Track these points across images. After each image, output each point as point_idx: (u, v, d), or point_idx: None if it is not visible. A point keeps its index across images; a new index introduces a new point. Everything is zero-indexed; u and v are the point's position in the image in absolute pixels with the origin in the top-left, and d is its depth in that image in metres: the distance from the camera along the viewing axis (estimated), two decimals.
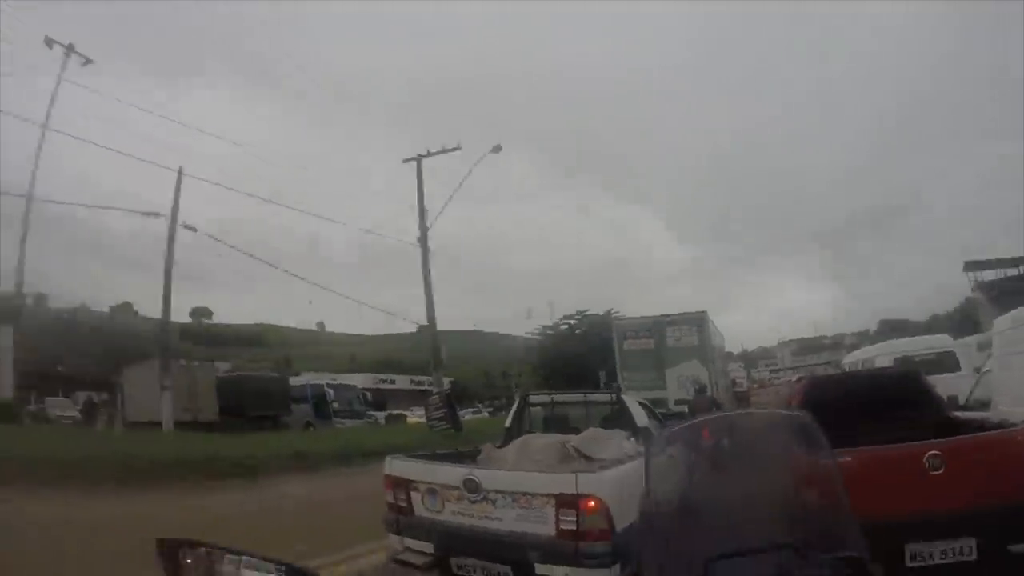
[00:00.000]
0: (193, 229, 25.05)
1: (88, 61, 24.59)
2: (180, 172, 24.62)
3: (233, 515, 9.46)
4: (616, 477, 5.10)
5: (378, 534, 6.49)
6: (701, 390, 14.80)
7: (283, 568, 1.50)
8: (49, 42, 24.00)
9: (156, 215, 24.65)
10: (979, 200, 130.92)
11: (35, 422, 27.14)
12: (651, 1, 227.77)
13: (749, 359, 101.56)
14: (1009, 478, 5.02)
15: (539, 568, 4.98)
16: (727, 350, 33.40)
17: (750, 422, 4.08)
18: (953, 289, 71.90)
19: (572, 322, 47.20)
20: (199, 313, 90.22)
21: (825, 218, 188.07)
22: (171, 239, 24.62)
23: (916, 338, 20.47)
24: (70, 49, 24.28)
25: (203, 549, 1.58)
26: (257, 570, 1.53)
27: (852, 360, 21.56)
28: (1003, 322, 8.11)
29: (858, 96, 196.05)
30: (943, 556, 4.91)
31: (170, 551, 1.57)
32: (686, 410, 14.06)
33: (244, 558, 1.54)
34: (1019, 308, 7.82)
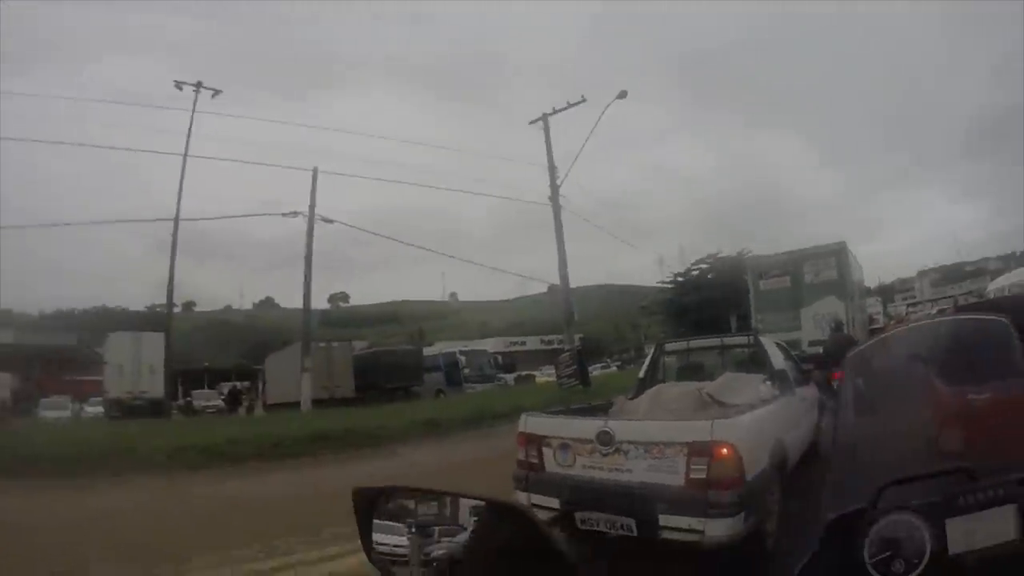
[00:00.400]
0: (330, 221, 26.60)
1: (217, 92, 27.49)
2: (315, 171, 26.28)
3: (359, 482, 9.53)
4: (751, 423, 4.92)
5: (504, 494, 6.21)
6: (837, 328, 13.75)
7: (483, 504, 1.50)
8: (179, 84, 27.17)
9: (295, 214, 26.25)
10: None
11: (183, 414, 29.56)
12: None
13: (887, 292, 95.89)
14: None
15: (663, 520, 4.77)
16: (865, 284, 31.36)
17: (942, 330, 3.62)
18: None
19: (704, 266, 45.56)
20: (337, 298, 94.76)
21: (969, 122, 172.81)
22: (310, 233, 26.07)
23: None
24: (199, 86, 27.15)
25: (402, 491, 1.66)
26: (456, 506, 1.57)
27: (997, 287, 20.03)
28: None
29: None
30: None
31: (366, 498, 1.61)
32: (820, 351, 13.08)
33: (445, 497, 1.60)
34: None
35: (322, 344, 29.37)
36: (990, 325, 2.81)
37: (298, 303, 28.57)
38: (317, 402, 24.49)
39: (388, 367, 30.41)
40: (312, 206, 26.10)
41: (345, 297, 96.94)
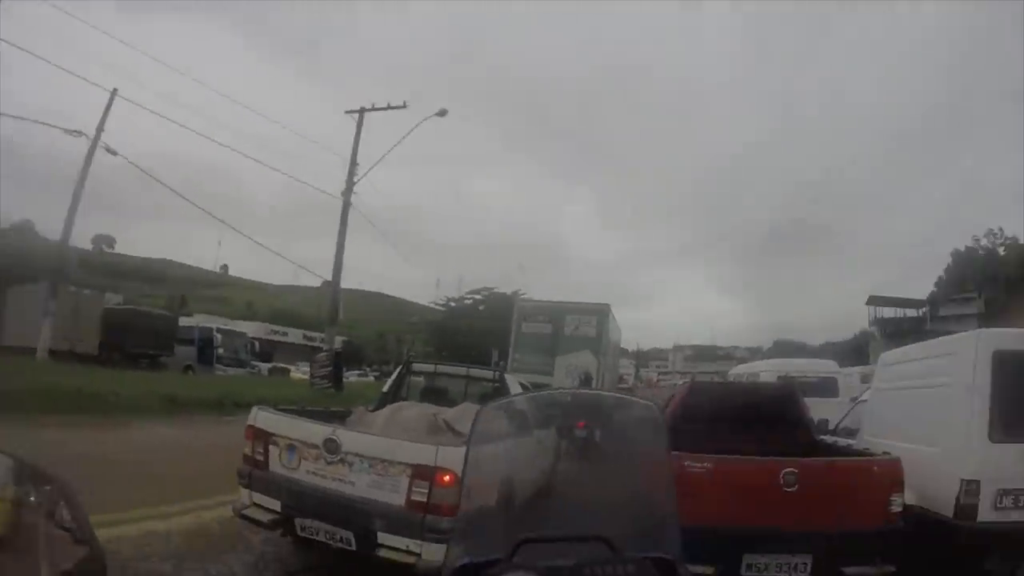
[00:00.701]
0: (114, 153, 24.01)
1: None
2: (114, 93, 23.72)
3: (80, 454, 8.96)
4: (509, 448, 5.07)
5: (234, 487, 6.16)
6: (586, 380, 14.93)
7: None
8: None
9: (79, 134, 23.50)
10: (899, 241, 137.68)
11: None
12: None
13: (642, 358, 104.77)
14: (855, 504, 5.24)
15: (382, 538, 4.89)
16: (622, 346, 33.95)
17: (589, 402, 4.03)
18: (853, 320, 75.78)
19: (477, 297, 47.11)
20: (101, 240, 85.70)
21: (748, 232, 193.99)
22: (88, 160, 23.70)
23: (803, 360, 21.14)
24: None
25: None
26: None
27: (738, 372, 22.13)
28: (887, 357, 8.40)
29: (805, 119, 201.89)
30: (778, 569, 5.06)
31: None
32: None
33: None
34: (906, 347, 8.09)
35: (72, 289, 26.75)
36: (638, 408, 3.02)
37: (59, 234, 25.64)
38: (55, 353, 22.36)
39: (139, 330, 28.18)
40: (100, 130, 23.66)
41: (111, 241, 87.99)
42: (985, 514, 5.54)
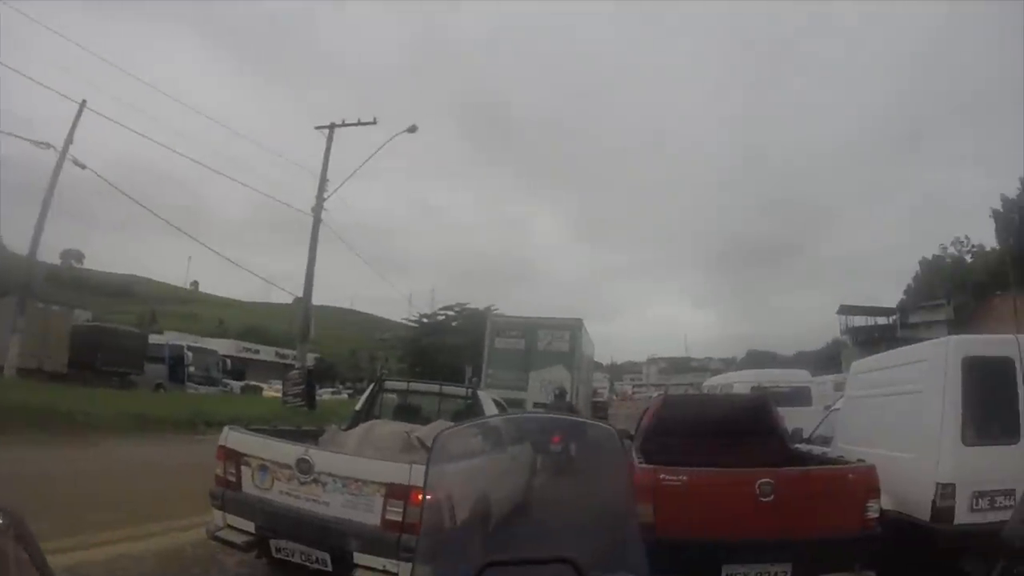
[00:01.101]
0: (82, 166, 23.35)
1: None
2: (83, 105, 23.11)
3: (50, 474, 8.78)
4: (472, 470, 4.97)
5: (207, 508, 6.04)
6: (560, 395, 14.87)
7: None
8: None
9: (47, 146, 22.84)
10: (868, 251, 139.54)
11: None
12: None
13: (616, 371, 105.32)
14: (832, 512, 5.27)
15: (358, 558, 4.83)
16: (595, 360, 34.03)
17: (549, 426, 4.04)
18: (825, 329, 76.64)
19: (450, 313, 47.01)
20: (70, 255, 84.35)
21: (718, 244, 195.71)
22: (56, 173, 23.11)
23: (776, 370, 21.32)
24: None
25: None
26: None
27: (712, 384, 22.33)
28: (859, 365, 8.48)
29: (773, 133, 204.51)
30: None
31: None
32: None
33: None
34: (877, 355, 8.17)
35: (40, 305, 26.03)
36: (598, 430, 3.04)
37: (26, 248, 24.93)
38: (23, 371, 21.76)
39: (109, 348, 27.36)
40: (68, 142, 22.99)
41: (80, 256, 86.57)
42: (962, 516, 5.63)
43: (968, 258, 58.66)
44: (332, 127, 26.45)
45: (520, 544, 2.38)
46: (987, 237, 55.14)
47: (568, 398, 15.59)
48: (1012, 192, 49.94)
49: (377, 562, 4.76)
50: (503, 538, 2.63)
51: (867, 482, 5.40)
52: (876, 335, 54.42)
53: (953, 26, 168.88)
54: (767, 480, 5.21)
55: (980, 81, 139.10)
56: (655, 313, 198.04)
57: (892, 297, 66.84)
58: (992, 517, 5.56)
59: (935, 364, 6.20)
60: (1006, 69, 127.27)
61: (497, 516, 4.42)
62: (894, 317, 61.15)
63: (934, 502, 5.72)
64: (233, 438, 5.68)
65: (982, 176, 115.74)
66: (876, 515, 5.33)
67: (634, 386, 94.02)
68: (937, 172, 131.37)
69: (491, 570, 1.85)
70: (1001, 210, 50.10)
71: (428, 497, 2.67)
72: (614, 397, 64.11)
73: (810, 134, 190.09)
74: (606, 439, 2.72)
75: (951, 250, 60.95)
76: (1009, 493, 5.57)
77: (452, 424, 7.16)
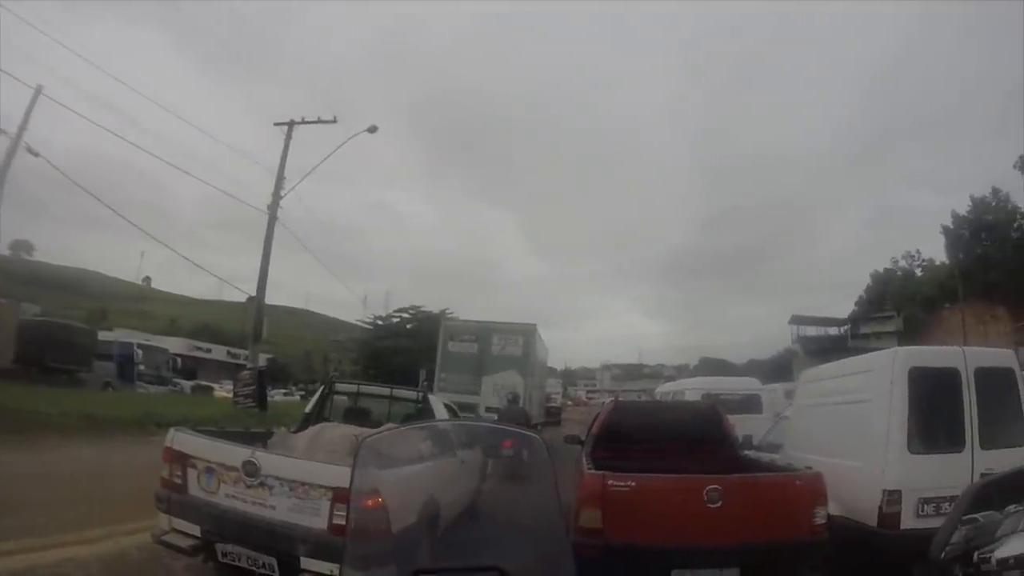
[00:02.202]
0: (36, 154, 22.21)
1: None
2: (38, 90, 22.20)
3: None
4: (400, 477, 4.80)
5: (154, 511, 5.85)
6: (514, 400, 14.85)
7: None
8: None
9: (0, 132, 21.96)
10: (821, 262, 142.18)
11: None
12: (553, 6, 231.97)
13: (570, 377, 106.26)
14: (780, 518, 5.33)
15: (305, 563, 4.74)
16: (549, 365, 34.15)
17: (476, 433, 4.04)
18: (777, 339, 78.12)
19: (405, 315, 46.71)
20: (20, 246, 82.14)
21: (674, 253, 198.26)
22: (8, 160, 22.25)
23: (728, 378, 21.55)
24: None
25: None
26: None
27: (664, 390, 22.45)
28: (808, 374, 8.63)
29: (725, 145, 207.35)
30: None
31: None
32: (495, 418, 14.14)
33: None
34: (826, 364, 8.31)
35: None
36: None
37: None
38: None
39: (58, 344, 26.48)
40: (22, 128, 22.00)
41: (29, 247, 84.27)
42: (908, 522, 5.78)
43: (918, 272, 60.27)
44: (291, 124, 26.06)
45: (450, 551, 2.36)
46: (937, 252, 56.82)
47: (520, 403, 15.59)
48: (963, 209, 51.33)
49: (324, 567, 4.67)
50: (433, 545, 2.61)
51: (814, 489, 5.47)
52: (827, 345, 55.61)
53: (914, 49, 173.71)
54: (715, 487, 5.25)
55: (936, 103, 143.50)
56: (610, 320, 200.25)
57: (843, 308, 68.42)
58: (937, 523, 5.62)
59: (882, 374, 6.34)
60: (962, 93, 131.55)
61: (428, 522, 4.40)
62: (845, 328, 62.68)
63: (880, 508, 5.85)
64: (179, 439, 5.56)
65: (934, 194, 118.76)
66: (824, 521, 5.40)
67: (588, 392, 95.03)
68: (890, 189, 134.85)
69: None
70: (952, 227, 51.43)
71: (355, 502, 2.66)
72: (568, 402, 64.52)
73: (767, 147, 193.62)
74: (535, 446, 2.70)
75: (902, 263, 62.72)
76: (954, 500, 5.70)
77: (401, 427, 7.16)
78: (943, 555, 2.15)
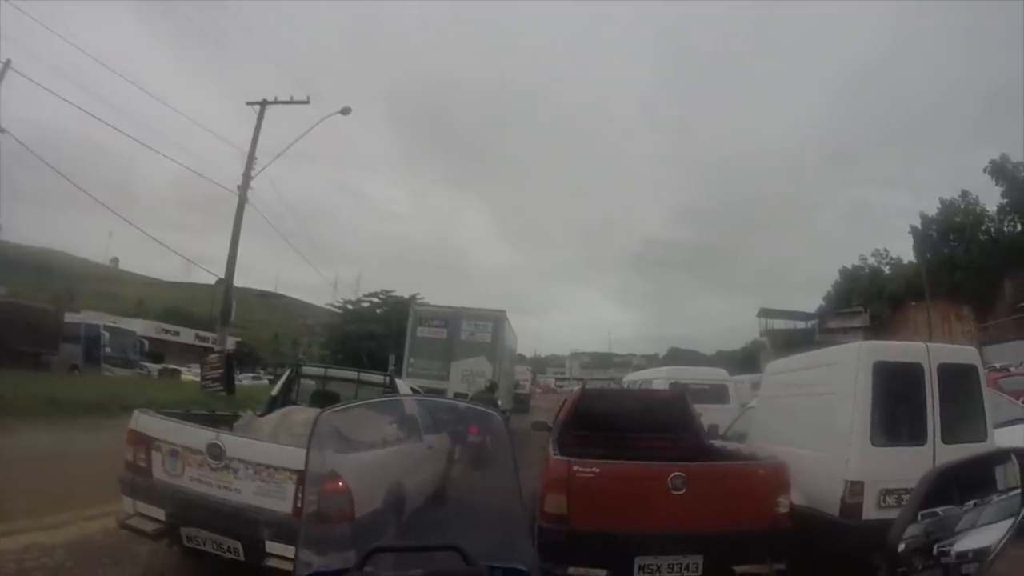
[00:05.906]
0: (2, 130, 21.67)
1: None
2: (7, 64, 21.73)
3: None
4: (366, 460, 4.83)
5: (118, 496, 5.80)
6: (491, 388, 14.87)
7: None
8: None
9: None
10: (791, 258, 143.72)
11: None
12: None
13: (540, 364, 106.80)
14: (743, 506, 5.41)
15: (270, 547, 4.73)
16: (519, 352, 34.20)
17: (435, 410, 4.02)
18: (745, 331, 79.03)
19: (375, 300, 46.37)
20: None
21: (645, 245, 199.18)
22: None
23: (695, 367, 21.69)
24: None
25: None
26: None
27: (632, 379, 22.62)
28: (774, 366, 8.71)
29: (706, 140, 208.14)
30: (670, 569, 5.17)
31: None
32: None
33: None
34: (792, 356, 8.40)
35: None
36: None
37: None
38: None
39: (22, 326, 25.81)
40: None
41: None
42: (870, 512, 5.87)
43: (886, 270, 61.06)
44: (264, 103, 25.62)
45: (409, 530, 2.33)
46: (905, 251, 57.64)
47: (496, 391, 15.59)
48: (931, 211, 52.21)
49: (289, 551, 4.53)
50: (392, 524, 2.58)
51: (777, 478, 5.56)
52: (795, 338, 56.13)
53: (889, 53, 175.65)
54: (679, 474, 5.31)
55: (910, 107, 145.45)
56: (581, 309, 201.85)
57: (812, 303, 69.43)
58: (898, 514, 5.78)
59: (847, 367, 6.43)
60: (937, 98, 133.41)
61: (387, 501, 4.36)
62: (812, 322, 63.40)
63: (843, 498, 5.93)
64: (143, 422, 5.51)
65: (904, 195, 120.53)
66: (786, 510, 5.49)
67: (557, 379, 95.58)
68: (861, 188, 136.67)
69: (377, 556, 1.83)
70: (920, 227, 52.28)
71: (309, 482, 2.62)
72: (537, 389, 64.77)
73: (741, 143, 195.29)
74: (494, 425, 2.66)
75: (871, 261, 63.50)
76: None
77: (369, 413, 7.13)
78: (902, 547, 2.18)
